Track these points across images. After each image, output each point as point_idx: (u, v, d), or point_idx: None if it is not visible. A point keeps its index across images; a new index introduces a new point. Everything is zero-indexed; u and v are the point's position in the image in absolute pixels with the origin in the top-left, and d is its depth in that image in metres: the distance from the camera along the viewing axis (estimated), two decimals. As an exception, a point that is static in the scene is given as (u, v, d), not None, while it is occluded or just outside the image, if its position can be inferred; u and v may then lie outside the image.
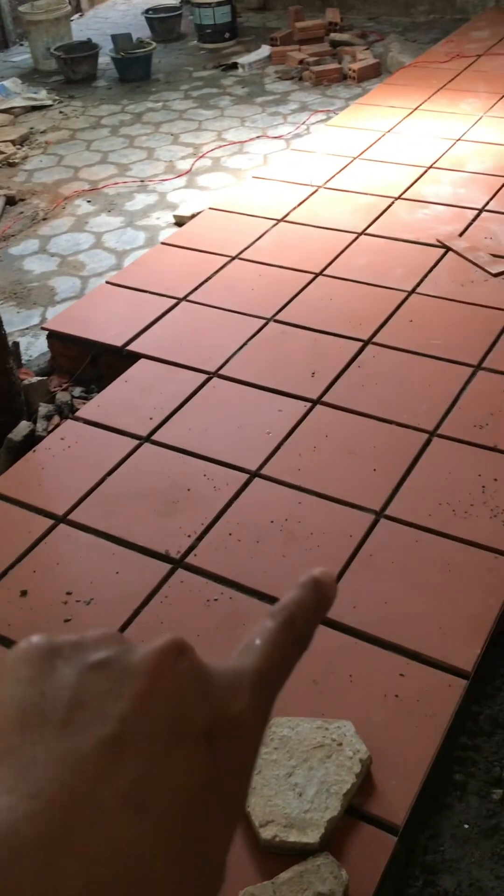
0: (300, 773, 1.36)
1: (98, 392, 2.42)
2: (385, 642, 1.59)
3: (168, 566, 1.79)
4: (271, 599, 1.69)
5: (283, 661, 0.33)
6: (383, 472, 1.98)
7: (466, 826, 1.38)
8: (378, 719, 1.47)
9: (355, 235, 2.96)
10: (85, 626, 1.68)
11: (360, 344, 2.42)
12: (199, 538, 1.86)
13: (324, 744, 1.40)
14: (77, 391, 2.58)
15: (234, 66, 5.46)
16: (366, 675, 1.54)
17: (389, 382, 2.27)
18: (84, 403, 2.42)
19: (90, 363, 2.60)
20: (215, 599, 1.71)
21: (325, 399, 2.23)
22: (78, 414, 2.28)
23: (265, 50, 5.53)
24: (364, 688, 1.52)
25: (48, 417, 2.42)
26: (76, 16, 6.75)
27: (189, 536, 1.86)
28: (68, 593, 1.75)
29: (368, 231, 2.99)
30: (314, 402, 2.22)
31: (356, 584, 1.71)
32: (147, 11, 6.26)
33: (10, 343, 2.43)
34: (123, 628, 1.67)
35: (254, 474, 2.01)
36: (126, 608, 1.71)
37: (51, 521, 1.94)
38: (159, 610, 1.70)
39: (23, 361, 2.75)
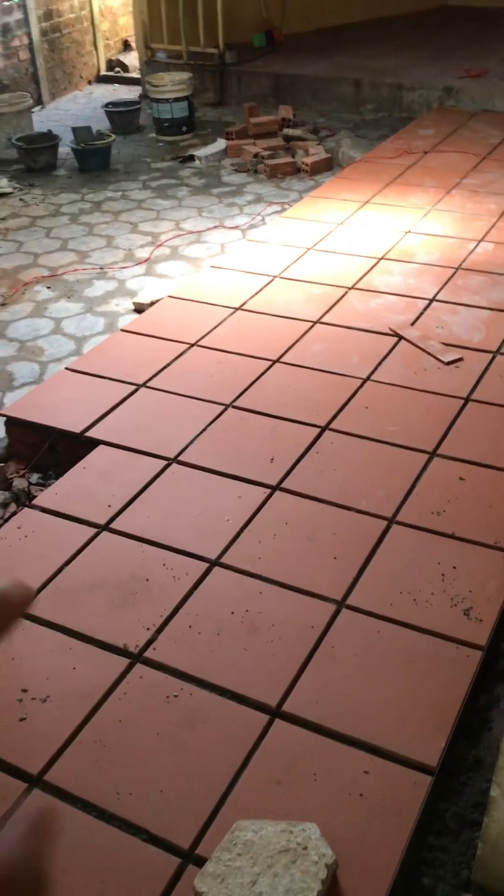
0: (265, 882, 1.31)
1: (56, 479, 2.40)
2: (348, 738, 1.56)
3: (126, 661, 1.75)
4: (233, 695, 1.66)
5: None
6: (344, 560, 1.98)
7: (436, 933, 1.34)
8: (343, 819, 1.43)
9: (311, 324, 3.03)
10: (41, 726, 1.63)
11: (318, 430, 2.45)
12: (159, 630, 1.82)
13: (289, 848, 1.36)
14: (34, 478, 2.55)
15: (192, 158, 5.63)
16: (330, 773, 1.51)
17: (347, 468, 2.29)
18: (42, 490, 2.39)
19: (48, 449, 2.58)
20: (175, 696, 1.67)
21: (284, 485, 2.24)
22: (35, 502, 2.25)
23: (221, 143, 5.72)
24: (328, 787, 1.48)
25: (5, 505, 2.39)
26: (37, 108, 6.94)
27: (148, 629, 1.82)
28: (24, 690, 1.70)
29: (323, 319, 3.06)
30: (273, 489, 2.23)
31: (319, 678, 1.69)
32: (107, 105, 6.46)
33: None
34: (80, 727, 1.62)
35: (213, 563, 2.00)
36: (83, 706, 1.66)
37: (6, 615, 1.89)
38: (117, 707, 1.65)
39: (-21, 448, 2.72)
